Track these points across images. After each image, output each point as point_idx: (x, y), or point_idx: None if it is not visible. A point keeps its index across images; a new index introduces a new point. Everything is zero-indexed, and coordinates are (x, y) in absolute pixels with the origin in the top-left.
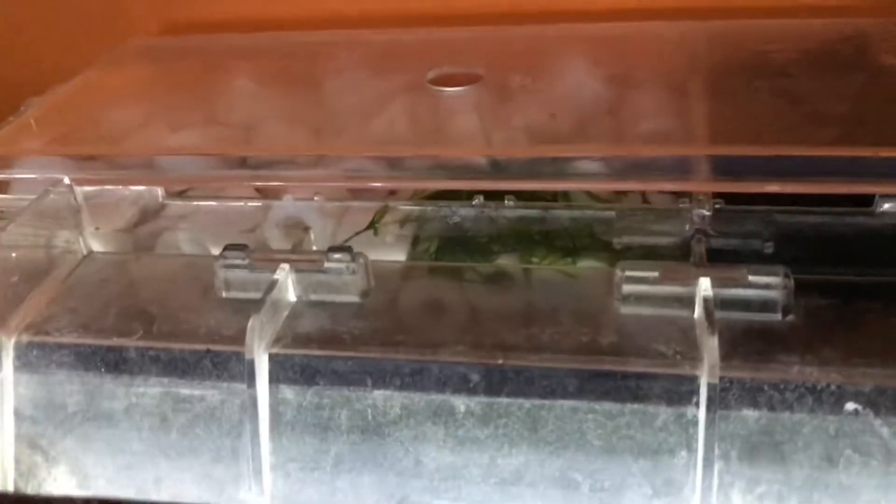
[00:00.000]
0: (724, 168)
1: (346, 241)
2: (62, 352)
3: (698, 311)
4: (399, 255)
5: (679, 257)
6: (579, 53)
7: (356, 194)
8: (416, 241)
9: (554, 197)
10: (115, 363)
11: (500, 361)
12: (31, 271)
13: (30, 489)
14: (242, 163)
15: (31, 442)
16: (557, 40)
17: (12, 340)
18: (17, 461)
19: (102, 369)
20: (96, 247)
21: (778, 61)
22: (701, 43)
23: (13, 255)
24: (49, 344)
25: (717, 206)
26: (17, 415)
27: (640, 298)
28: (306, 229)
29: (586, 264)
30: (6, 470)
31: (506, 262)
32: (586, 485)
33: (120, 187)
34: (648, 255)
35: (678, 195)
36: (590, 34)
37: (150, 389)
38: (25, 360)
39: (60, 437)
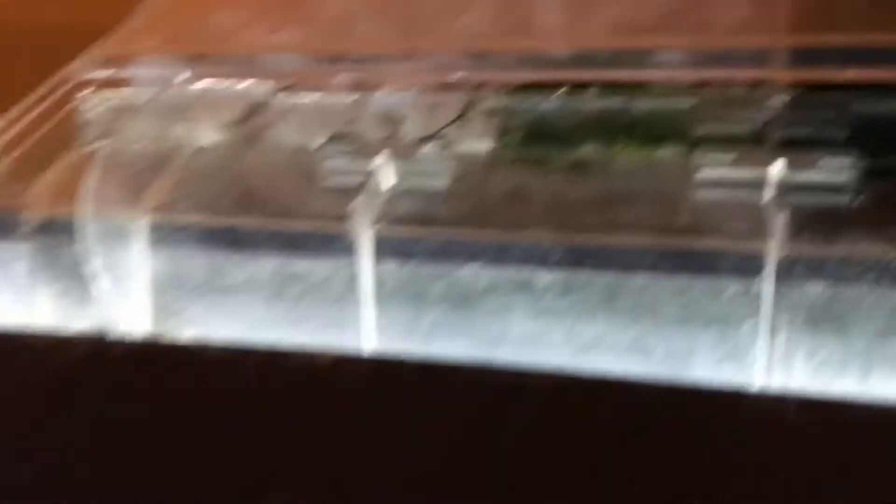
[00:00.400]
0: (803, 56)
1: (437, 131)
2: (187, 231)
3: (769, 194)
4: (487, 145)
5: (756, 144)
6: None
7: (446, 88)
8: (502, 132)
9: (635, 87)
10: (235, 240)
11: (581, 240)
12: (156, 160)
13: None
14: (340, 59)
15: (163, 309)
16: None
17: (144, 219)
18: (153, 326)
19: (224, 245)
20: (211, 139)
21: None
22: None
23: (140, 146)
24: (176, 223)
25: (793, 93)
26: (152, 285)
27: (715, 182)
28: (401, 121)
29: (666, 151)
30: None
31: (588, 150)
32: (659, 350)
33: (229, 83)
34: (726, 142)
35: (757, 83)
36: None
37: (266, 264)
38: (156, 236)
39: (189, 305)
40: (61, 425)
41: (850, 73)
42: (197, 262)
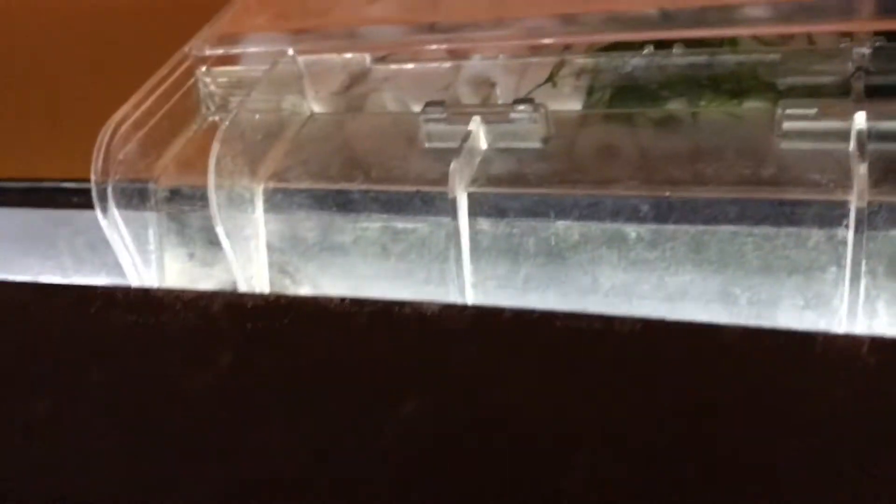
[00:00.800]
0: (886, 6)
1: (528, 93)
2: (300, 195)
3: (853, 144)
4: (576, 105)
5: (840, 95)
6: None
7: (535, 51)
8: (591, 91)
9: (720, 43)
10: (343, 203)
11: (668, 194)
12: (269, 131)
13: None
14: (432, 28)
15: (280, 268)
16: None
17: (261, 187)
18: (271, 284)
19: (333, 208)
20: (317, 108)
21: None
22: None
23: (255, 117)
24: (290, 189)
25: (877, 44)
26: (269, 247)
27: (799, 134)
28: (493, 85)
29: (751, 105)
30: (263, 291)
31: (674, 106)
32: (744, 298)
33: (332, 55)
34: (811, 94)
35: (841, 36)
36: None
37: (372, 224)
38: (272, 202)
39: (303, 264)
40: (204, 372)
41: None
42: (309, 224)
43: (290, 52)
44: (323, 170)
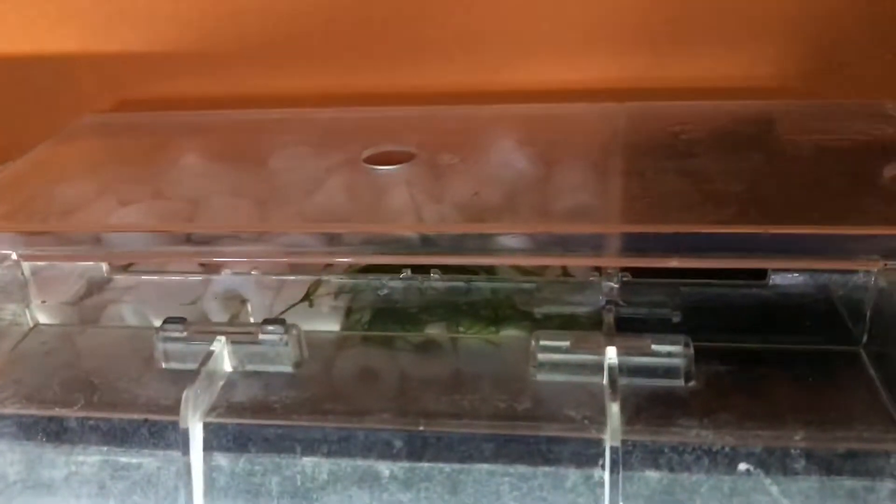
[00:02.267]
0: (632, 244)
1: (282, 312)
2: (4, 422)
3: (605, 378)
4: (333, 326)
5: (594, 326)
6: (506, 133)
7: (293, 268)
8: (349, 312)
9: (478, 269)
10: (56, 433)
11: (422, 428)
12: None
13: None
14: (186, 239)
15: None
16: (486, 120)
17: None
18: None
19: (43, 439)
20: (43, 319)
21: (687, 141)
22: (619, 124)
23: None
24: None
25: (624, 278)
26: None
27: (553, 366)
28: (244, 302)
29: (508, 333)
30: None
31: (434, 330)
32: None
33: (67, 262)
34: (566, 324)
35: (593, 268)
36: (516, 115)
37: (90, 458)
38: None
39: None
40: None
41: (674, 261)
42: (12, 457)
43: (14, 255)
44: (37, 391)
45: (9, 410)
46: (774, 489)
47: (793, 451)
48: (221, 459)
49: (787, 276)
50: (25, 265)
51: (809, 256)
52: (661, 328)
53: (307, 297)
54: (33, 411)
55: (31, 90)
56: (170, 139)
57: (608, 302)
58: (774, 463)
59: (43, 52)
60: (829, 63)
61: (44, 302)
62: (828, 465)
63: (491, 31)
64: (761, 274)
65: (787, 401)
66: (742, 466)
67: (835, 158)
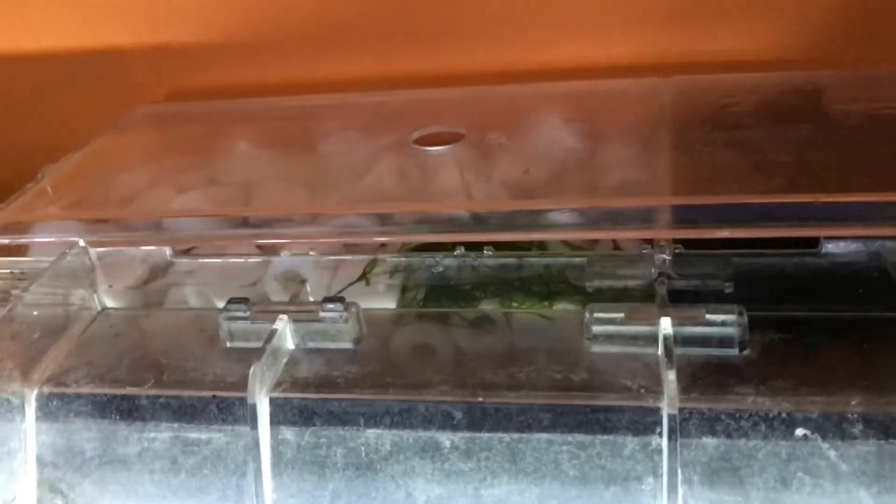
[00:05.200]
0: (683, 216)
1: (340, 292)
2: (79, 401)
3: (660, 348)
4: (389, 304)
5: (646, 299)
6: (553, 111)
7: (349, 248)
8: (404, 290)
9: (530, 245)
10: (129, 410)
11: (481, 399)
12: (51, 327)
13: None
14: (243, 222)
15: (51, 486)
16: (533, 99)
17: (34, 392)
18: None
19: (117, 417)
20: (110, 303)
21: (734, 114)
22: (665, 98)
23: (35, 313)
24: (67, 394)
25: (677, 250)
26: (39, 461)
27: (607, 337)
28: (303, 282)
29: (561, 307)
30: None
31: (487, 307)
32: None
33: (131, 247)
34: (618, 297)
35: (644, 241)
36: (563, 92)
37: (161, 434)
38: (46, 409)
39: (79, 481)
40: None
41: (725, 232)
42: (88, 434)
43: (81, 242)
44: (108, 372)
45: (84, 390)
46: (832, 454)
47: (850, 415)
48: (288, 433)
49: (840, 244)
50: (92, 252)
51: (861, 224)
52: (713, 299)
53: (363, 276)
54: (106, 390)
55: (86, 84)
56: (222, 127)
57: (660, 274)
58: (831, 428)
59: (97, 47)
60: (870, 32)
61: (110, 287)
62: (885, 429)
63: (534, 10)
64: (813, 243)
65: (842, 367)
66: (799, 432)
67: (883, 126)
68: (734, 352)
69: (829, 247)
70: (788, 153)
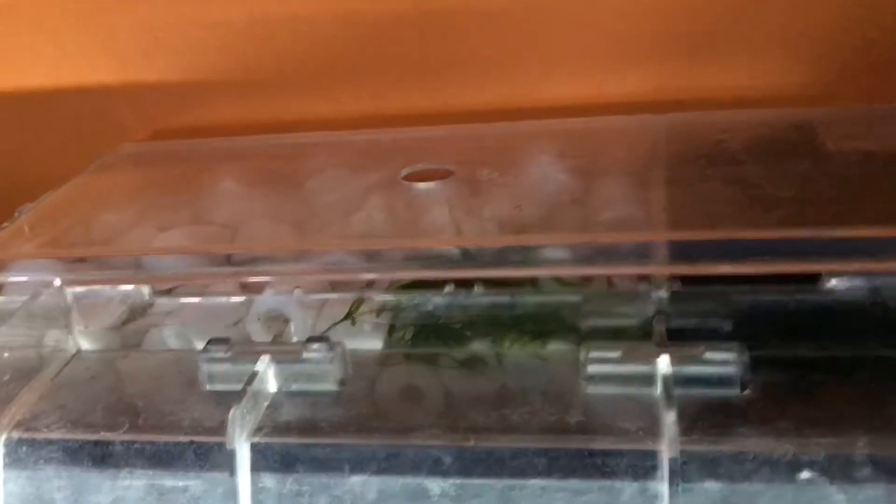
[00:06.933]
0: (680, 252)
1: (325, 331)
2: (50, 447)
3: (659, 388)
4: (376, 344)
5: (643, 338)
6: (544, 147)
7: (335, 286)
8: (392, 330)
9: (521, 283)
10: (102, 457)
11: (472, 443)
12: (23, 370)
13: None
14: (227, 260)
15: None
16: (524, 136)
17: (2, 437)
18: None
19: (89, 463)
20: (86, 345)
21: (730, 150)
22: (659, 135)
23: (5, 354)
24: (37, 440)
25: (674, 288)
26: None
27: (604, 377)
28: (287, 321)
29: (555, 346)
30: None
31: (478, 346)
32: None
33: (109, 287)
34: (613, 336)
35: (639, 278)
36: (555, 129)
37: (136, 482)
38: (15, 456)
39: None
40: None
41: (725, 268)
42: (59, 482)
43: (57, 282)
44: (82, 416)
45: (55, 435)
46: (839, 497)
47: (857, 457)
48: (269, 480)
49: (841, 280)
50: (68, 291)
51: (863, 259)
52: (713, 337)
53: (349, 315)
54: (79, 436)
55: (68, 121)
56: (206, 166)
57: (658, 312)
58: (837, 470)
59: (80, 84)
60: (867, 68)
61: (86, 327)
62: (894, 471)
63: (526, 48)
64: (814, 278)
65: (848, 407)
66: (804, 475)
67: (881, 163)
68: (735, 392)
69: (832, 282)
70: (786, 189)
